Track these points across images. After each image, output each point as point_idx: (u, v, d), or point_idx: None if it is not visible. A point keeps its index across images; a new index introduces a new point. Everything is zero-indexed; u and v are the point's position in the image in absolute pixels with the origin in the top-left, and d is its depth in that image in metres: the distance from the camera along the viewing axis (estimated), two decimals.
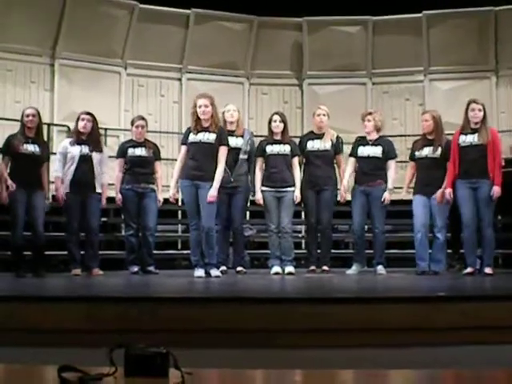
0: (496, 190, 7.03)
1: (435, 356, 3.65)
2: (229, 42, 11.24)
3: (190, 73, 11.34)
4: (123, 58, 10.94)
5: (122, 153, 8.01)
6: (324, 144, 7.99)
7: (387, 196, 7.70)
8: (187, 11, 11.06)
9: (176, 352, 2.37)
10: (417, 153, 7.58)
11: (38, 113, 7.46)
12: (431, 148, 7.47)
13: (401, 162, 8.64)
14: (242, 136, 7.92)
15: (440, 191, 7.33)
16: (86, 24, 10.29)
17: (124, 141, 8.68)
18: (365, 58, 11.46)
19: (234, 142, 7.72)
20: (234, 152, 7.70)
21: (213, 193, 6.90)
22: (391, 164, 7.84)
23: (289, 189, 7.69)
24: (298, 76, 11.68)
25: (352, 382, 2.59)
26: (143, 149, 7.96)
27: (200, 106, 7.02)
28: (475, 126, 7.14)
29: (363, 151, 7.87)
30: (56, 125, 10.10)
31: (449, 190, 7.21)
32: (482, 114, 7.15)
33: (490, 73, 11.03)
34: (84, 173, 7.50)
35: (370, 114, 8.01)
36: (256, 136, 8.40)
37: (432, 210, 7.41)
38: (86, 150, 7.57)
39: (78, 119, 7.67)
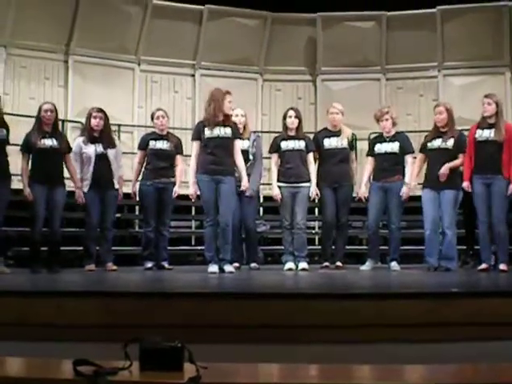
0: (511, 188, 6.99)
1: (449, 352, 3.64)
2: (242, 38, 11.23)
3: (203, 69, 11.35)
4: (137, 54, 10.96)
5: (143, 144, 7.95)
6: (341, 142, 7.95)
7: (406, 190, 7.65)
8: (201, 7, 11.08)
9: (190, 347, 2.38)
10: (428, 144, 7.49)
11: (55, 108, 7.49)
12: (442, 139, 7.42)
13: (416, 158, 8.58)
14: (249, 139, 7.96)
15: (446, 167, 7.26)
16: (99, 20, 10.33)
17: (146, 133, 8.54)
18: (379, 54, 11.42)
19: (242, 144, 7.77)
20: (243, 154, 7.75)
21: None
22: (408, 159, 7.79)
23: (304, 184, 7.65)
24: (312, 72, 11.66)
25: (365, 378, 2.59)
26: (165, 142, 7.91)
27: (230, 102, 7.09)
28: (490, 121, 7.09)
29: (380, 148, 7.84)
30: (70, 121, 10.13)
31: (466, 183, 7.16)
32: (491, 108, 7.07)
33: (504, 68, 10.96)
34: (102, 171, 7.56)
35: (387, 112, 7.91)
36: (270, 132, 8.40)
37: (441, 206, 7.33)
38: (100, 148, 7.60)
39: (89, 116, 7.68)
